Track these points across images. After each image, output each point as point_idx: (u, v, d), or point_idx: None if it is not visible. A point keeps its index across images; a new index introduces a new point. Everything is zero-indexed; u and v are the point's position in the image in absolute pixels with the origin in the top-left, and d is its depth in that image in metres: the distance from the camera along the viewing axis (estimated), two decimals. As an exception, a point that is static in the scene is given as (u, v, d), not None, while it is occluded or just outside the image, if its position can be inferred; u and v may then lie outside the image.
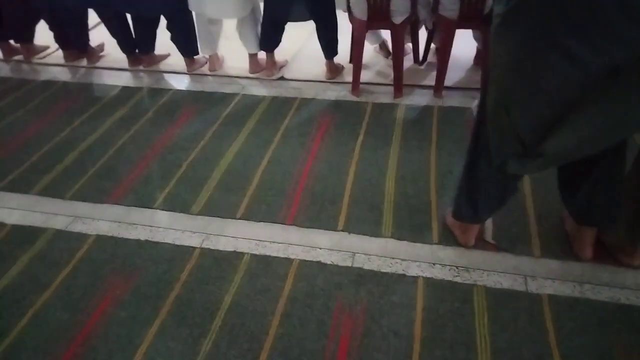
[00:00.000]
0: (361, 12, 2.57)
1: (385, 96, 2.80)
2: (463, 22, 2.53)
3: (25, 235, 1.94)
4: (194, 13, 2.94)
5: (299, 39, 3.42)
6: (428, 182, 2.11)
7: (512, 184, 1.60)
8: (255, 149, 2.39)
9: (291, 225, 1.93)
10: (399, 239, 1.83)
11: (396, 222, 1.91)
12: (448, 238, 1.82)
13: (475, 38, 2.94)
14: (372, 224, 1.90)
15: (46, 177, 2.26)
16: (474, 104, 2.67)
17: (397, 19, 2.56)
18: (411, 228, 1.88)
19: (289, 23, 2.89)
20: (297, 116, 2.65)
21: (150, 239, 1.88)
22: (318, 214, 1.97)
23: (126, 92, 2.98)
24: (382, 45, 3.19)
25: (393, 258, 1.75)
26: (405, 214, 1.95)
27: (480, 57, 3.00)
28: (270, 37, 2.93)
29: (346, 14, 2.79)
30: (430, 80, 2.91)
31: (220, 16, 2.90)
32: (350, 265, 1.73)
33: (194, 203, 2.06)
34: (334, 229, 1.89)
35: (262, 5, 2.85)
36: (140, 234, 1.91)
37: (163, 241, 1.87)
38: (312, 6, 2.73)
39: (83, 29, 3.22)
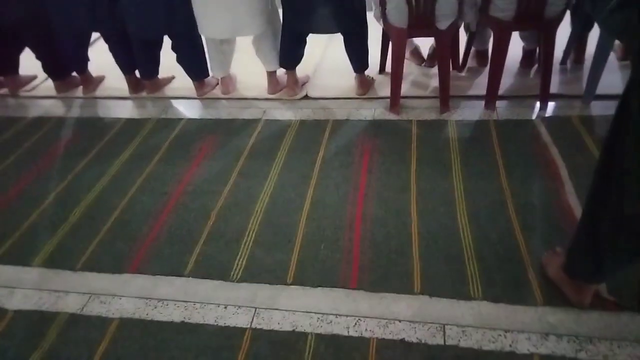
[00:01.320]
0: (400, 19, 2.22)
1: (428, 111, 2.45)
2: (519, 23, 2.19)
3: (31, 323, 1.58)
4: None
5: (318, 49, 3.07)
6: (508, 218, 1.77)
7: None
8: (292, 188, 2.04)
9: (357, 289, 1.58)
10: (494, 301, 1.49)
11: (484, 277, 1.56)
12: (554, 296, 1.48)
13: (523, 37, 2.60)
14: (456, 282, 1.56)
15: (50, 241, 1.89)
16: (534, 114, 2.33)
17: (443, 25, 2.22)
18: (505, 284, 1.54)
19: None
20: (332, 142, 2.30)
21: (187, 320, 1.53)
22: (386, 272, 1.62)
23: (132, 125, 2.61)
24: (415, 52, 2.84)
25: (494, 329, 1.41)
26: (493, 265, 1.60)
27: (531, 60, 2.66)
28: (291, 52, 2.57)
29: (379, 21, 2.45)
30: (476, 89, 2.57)
31: (235, 35, 2.54)
32: (442, 342, 1.39)
33: (232, 266, 1.70)
34: (411, 292, 1.55)
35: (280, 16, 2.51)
36: (174, 314, 1.55)
37: (203, 322, 1.52)
38: (340, 15, 2.37)
39: (83, 50, 2.86)
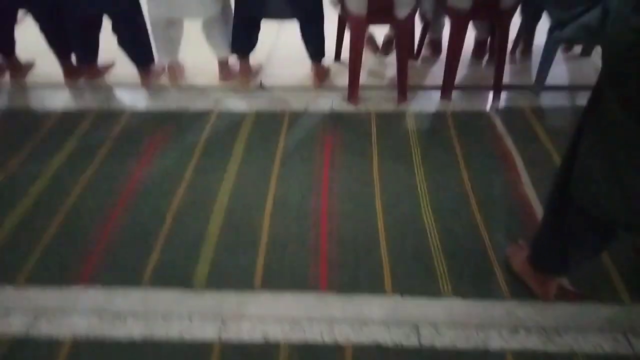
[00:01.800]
0: (359, 7, 2.16)
1: (386, 102, 2.43)
2: (476, 13, 2.20)
3: (-33, 349, 1.41)
4: (147, 12, 2.38)
5: (269, 36, 2.94)
6: (471, 212, 1.79)
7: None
8: (252, 185, 1.96)
9: (327, 291, 1.54)
10: (464, 297, 1.51)
11: (453, 273, 1.58)
12: (520, 289, 1.51)
13: (476, 28, 2.63)
14: (426, 279, 1.56)
15: (-17, 253, 1.70)
16: (488, 106, 2.38)
17: (402, 13, 2.18)
18: (473, 280, 1.56)
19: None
20: (291, 135, 2.22)
21: (148, 336, 1.42)
22: (356, 271, 1.59)
23: (69, 118, 2.39)
24: (370, 40, 2.80)
25: (466, 327, 1.42)
26: (460, 260, 1.62)
27: (482, 50, 2.70)
28: (244, 38, 2.45)
29: (335, 7, 2.38)
30: (432, 79, 2.58)
31: (184, 15, 2.36)
32: (417, 343, 1.38)
33: (195, 272, 1.61)
34: (382, 291, 1.53)
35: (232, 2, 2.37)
36: (134, 330, 1.44)
37: (167, 337, 1.42)
38: (295, 0, 2.27)
39: (8, 30, 2.55)
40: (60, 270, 1.62)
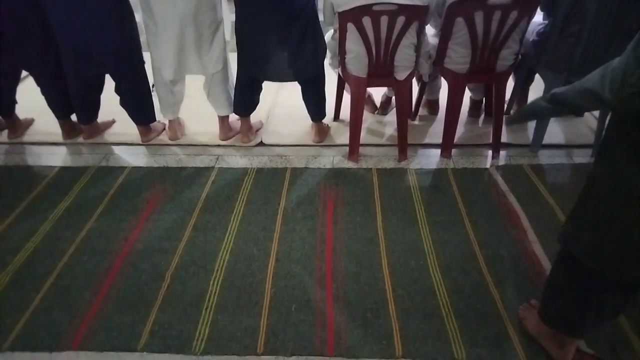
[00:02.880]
0: (360, 69, 2.22)
1: (387, 160, 2.44)
2: (473, 75, 2.27)
3: None
4: (152, 70, 2.42)
5: (270, 94, 2.99)
6: (480, 271, 1.75)
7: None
8: (254, 242, 1.90)
9: (334, 356, 1.46)
10: (479, 361, 1.43)
11: (465, 336, 1.51)
12: (537, 352, 1.45)
13: (471, 89, 2.71)
14: (438, 343, 1.49)
15: (-32, 316, 1.60)
16: (488, 163, 2.40)
17: (401, 75, 2.25)
18: (486, 342, 1.49)
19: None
20: (293, 192, 2.20)
21: (143, 407, 1.32)
22: (364, 334, 1.52)
23: (67, 175, 2.35)
24: (368, 100, 2.86)
25: (484, 394, 1.34)
26: (472, 321, 1.56)
27: (478, 109, 2.77)
28: (246, 99, 2.48)
29: (335, 69, 2.44)
30: (431, 137, 2.61)
31: (188, 72, 2.41)
32: (433, 413, 1.29)
33: (194, 336, 1.52)
34: (393, 356, 1.45)
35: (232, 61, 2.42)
36: (128, 400, 1.34)
37: (164, 408, 1.32)
38: (297, 63, 2.33)
39: (10, 91, 2.56)
40: (51, 334, 1.53)
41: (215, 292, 1.67)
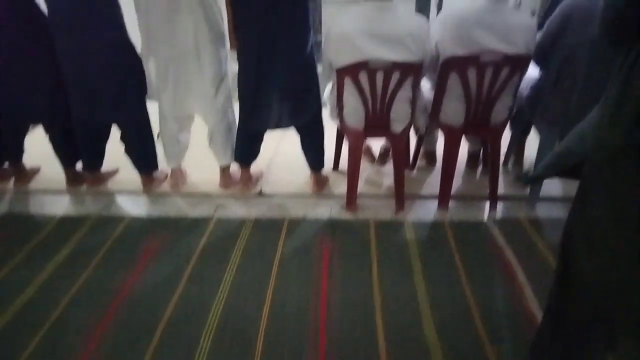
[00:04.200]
0: (357, 122, 2.27)
1: (384, 210, 2.45)
2: (468, 128, 2.31)
3: None
4: (158, 119, 2.50)
5: (271, 143, 3.05)
6: (476, 327, 1.71)
7: None
8: (248, 295, 1.89)
9: (325, 418, 1.42)
10: None
11: (461, 398, 1.46)
12: (534, 417, 1.40)
13: (468, 140, 2.75)
14: (432, 405, 1.45)
15: (-44, 369, 1.59)
16: (485, 216, 2.40)
17: (398, 128, 2.29)
18: (482, 406, 1.44)
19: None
20: (290, 242, 2.21)
21: None
22: (356, 395, 1.48)
23: (67, 224, 2.38)
24: (366, 150, 2.91)
25: None
26: (467, 383, 1.51)
27: (476, 161, 2.80)
28: (247, 149, 2.54)
29: (334, 121, 2.50)
30: (428, 189, 2.63)
31: (192, 111, 2.50)
32: None
33: (182, 394, 1.49)
34: (385, 419, 1.41)
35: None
36: None
37: None
38: (295, 114, 2.40)
39: (20, 140, 2.65)
40: (36, 391, 1.50)
41: (206, 347, 1.65)
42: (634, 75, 0.88)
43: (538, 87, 2.30)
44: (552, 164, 1.21)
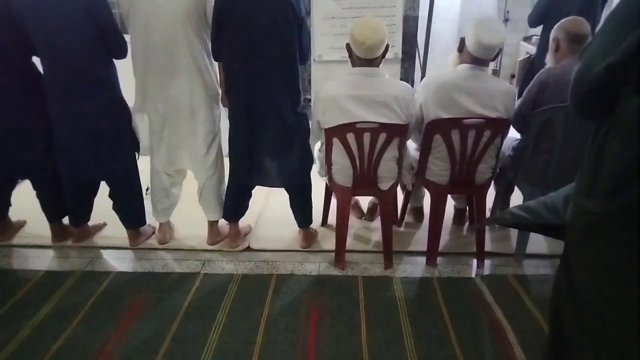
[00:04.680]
0: (345, 179, 2.32)
1: (372, 267, 2.45)
2: (454, 187, 2.37)
3: None
4: (150, 173, 2.52)
5: (260, 198, 3.07)
6: (466, 391, 1.69)
7: None
8: (234, 355, 1.85)
9: None
10: None
11: None
12: None
13: (454, 198, 2.80)
14: None
15: None
16: (473, 272, 2.41)
17: (385, 185, 2.34)
18: None
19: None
20: (277, 301, 2.18)
21: None
22: None
23: (51, 280, 2.34)
24: (355, 206, 2.94)
25: None
26: None
27: (462, 217, 2.84)
28: (236, 205, 2.55)
29: (323, 177, 2.54)
30: (416, 245, 2.65)
31: (184, 167, 2.54)
32: None
33: None
34: None
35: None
36: None
37: None
38: (284, 172, 2.44)
39: (6, 195, 2.64)
40: None
41: (188, 413, 1.59)
42: (604, 152, 0.94)
43: (519, 148, 2.39)
44: (518, 218, 1.23)
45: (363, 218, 2.93)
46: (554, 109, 2.13)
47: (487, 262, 2.48)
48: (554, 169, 2.23)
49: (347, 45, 2.15)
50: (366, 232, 2.79)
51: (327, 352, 1.86)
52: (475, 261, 2.48)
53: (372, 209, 2.92)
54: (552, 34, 2.25)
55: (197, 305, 2.15)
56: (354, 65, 2.20)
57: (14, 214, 2.74)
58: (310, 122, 2.38)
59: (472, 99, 2.16)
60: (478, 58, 2.15)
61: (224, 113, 2.52)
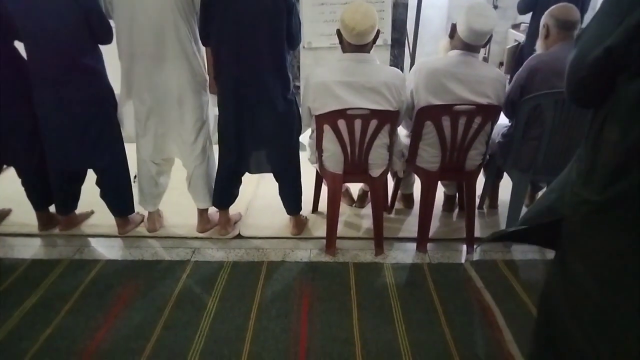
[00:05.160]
0: (336, 166, 2.31)
1: (363, 253, 2.46)
2: (444, 173, 2.38)
3: None
4: (137, 161, 2.49)
5: (250, 186, 3.06)
6: (457, 374, 1.71)
7: None
8: (225, 343, 1.85)
9: None
10: None
11: None
12: None
13: (444, 185, 2.82)
14: None
15: None
16: (463, 258, 2.43)
17: (376, 172, 2.34)
18: None
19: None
20: (268, 287, 2.18)
21: None
22: None
23: (38, 268, 2.31)
24: (345, 193, 2.94)
25: None
26: None
27: (452, 204, 2.86)
28: (226, 192, 2.53)
29: (313, 164, 2.53)
30: (406, 231, 2.66)
31: (173, 155, 2.50)
32: None
33: None
34: None
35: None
36: None
37: None
38: (273, 158, 2.43)
39: None
40: None
41: (181, 399, 1.59)
42: (601, 140, 0.93)
43: (509, 135, 2.40)
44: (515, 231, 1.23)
45: (353, 205, 2.93)
46: (543, 95, 2.14)
47: (477, 248, 2.50)
48: (543, 156, 2.25)
49: (338, 31, 2.13)
50: (356, 219, 2.80)
51: (319, 338, 1.87)
52: (465, 247, 2.50)
53: (362, 196, 2.92)
54: (542, 21, 2.25)
55: (187, 292, 2.14)
56: (344, 51, 2.18)
57: (-2, 203, 2.69)
58: (300, 109, 2.37)
59: (463, 85, 2.16)
60: (469, 44, 2.15)
61: (211, 99, 2.49)
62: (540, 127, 2.22)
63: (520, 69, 2.24)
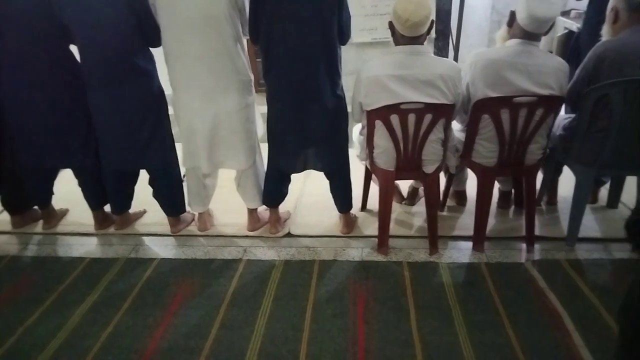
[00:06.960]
0: (388, 163, 2.25)
1: (417, 252, 2.39)
2: (502, 168, 2.28)
3: None
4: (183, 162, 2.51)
5: (297, 184, 3.03)
6: (526, 379, 1.63)
7: None
8: (283, 342, 1.83)
9: None
10: None
11: None
12: None
13: (499, 180, 2.71)
14: None
15: (-14, 422, 1.53)
16: (523, 257, 2.32)
17: (429, 169, 2.27)
18: None
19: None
20: (322, 287, 2.15)
21: None
22: None
23: (96, 267, 2.36)
24: (395, 191, 2.87)
25: None
26: None
27: (507, 201, 2.75)
28: (275, 191, 2.52)
29: (363, 162, 2.48)
30: (460, 229, 2.57)
31: (220, 167, 2.48)
32: None
33: None
34: None
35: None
36: None
37: None
38: (324, 157, 2.39)
39: (49, 184, 2.67)
40: None
41: (242, 400, 1.58)
42: None
43: (571, 127, 2.27)
44: None
45: (403, 202, 2.87)
46: (611, 84, 2.01)
47: (537, 246, 2.38)
48: (610, 149, 2.11)
49: (390, 23, 2.07)
50: (408, 217, 2.73)
51: (377, 339, 1.82)
52: (524, 246, 2.39)
53: (412, 193, 2.85)
54: (610, 4, 2.11)
55: (242, 291, 2.14)
56: (397, 44, 2.11)
57: (56, 202, 2.77)
58: (350, 105, 2.32)
59: (524, 76, 2.05)
60: (530, 32, 2.04)
61: (258, 98, 2.47)
62: (607, 119, 2.09)
63: (587, 57, 2.11)
